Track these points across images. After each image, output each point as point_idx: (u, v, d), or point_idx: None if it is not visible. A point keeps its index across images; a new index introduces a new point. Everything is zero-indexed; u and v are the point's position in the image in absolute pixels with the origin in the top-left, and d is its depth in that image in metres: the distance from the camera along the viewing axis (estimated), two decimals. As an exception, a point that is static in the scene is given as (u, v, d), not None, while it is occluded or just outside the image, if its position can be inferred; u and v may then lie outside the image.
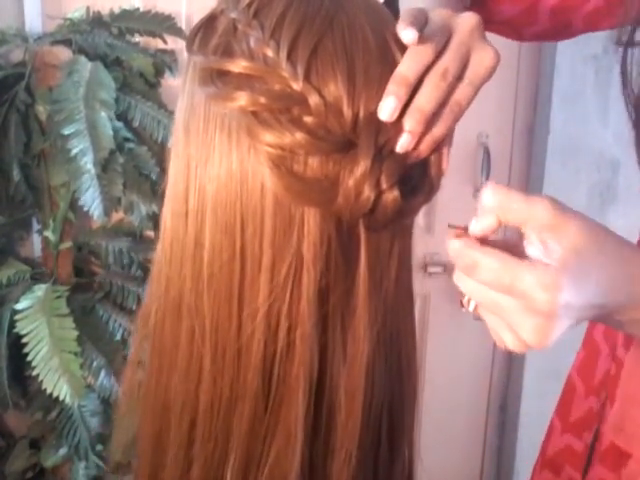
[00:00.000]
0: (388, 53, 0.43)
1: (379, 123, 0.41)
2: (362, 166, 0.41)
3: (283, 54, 0.41)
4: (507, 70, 1.65)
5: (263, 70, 0.41)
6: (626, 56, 0.62)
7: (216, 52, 0.43)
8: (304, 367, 0.43)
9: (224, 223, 0.43)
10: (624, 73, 0.62)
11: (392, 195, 0.42)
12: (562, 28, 0.71)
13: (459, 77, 0.43)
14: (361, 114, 0.41)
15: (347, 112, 0.41)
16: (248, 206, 0.42)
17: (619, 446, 0.63)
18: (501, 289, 0.40)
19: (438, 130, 0.43)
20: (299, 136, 0.40)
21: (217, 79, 0.42)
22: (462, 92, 0.43)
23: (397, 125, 0.42)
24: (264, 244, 0.42)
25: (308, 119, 0.41)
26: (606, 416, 0.67)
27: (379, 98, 0.41)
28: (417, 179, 0.44)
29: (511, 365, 1.81)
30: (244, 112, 0.41)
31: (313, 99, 0.40)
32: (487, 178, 1.62)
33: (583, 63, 1.57)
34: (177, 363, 0.46)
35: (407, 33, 0.42)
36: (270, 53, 0.41)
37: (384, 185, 0.41)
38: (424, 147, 0.43)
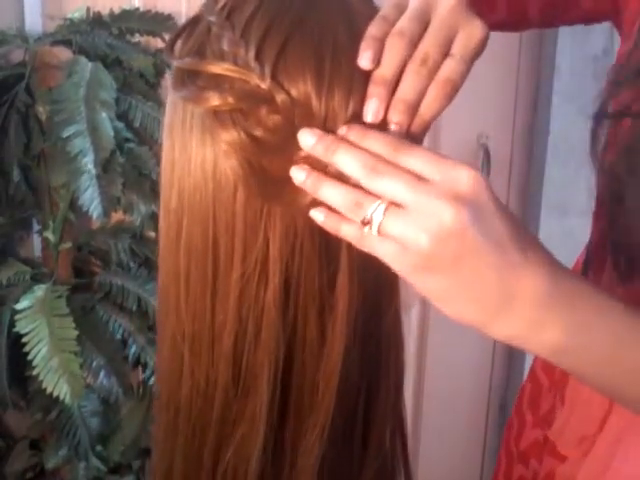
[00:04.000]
0: None
1: (360, 117, 0.42)
2: None
3: (251, 53, 0.41)
4: (507, 70, 1.65)
5: (233, 70, 0.42)
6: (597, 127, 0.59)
7: (190, 54, 0.44)
8: (269, 355, 0.44)
9: (199, 219, 0.45)
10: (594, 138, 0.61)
11: None
12: (520, 18, 0.71)
13: (447, 56, 0.43)
14: (333, 109, 0.42)
15: (317, 108, 0.41)
16: (221, 202, 0.43)
17: (558, 449, 0.63)
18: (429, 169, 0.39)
19: (429, 111, 0.43)
20: (265, 135, 0.41)
21: (188, 81, 0.43)
22: (451, 68, 0.43)
23: (384, 120, 0.42)
24: (235, 239, 0.44)
25: (275, 118, 0.41)
26: (556, 415, 0.67)
27: (355, 95, 0.42)
28: None
29: (511, 365, 1.81)
30: (212, 112, 0.42)
31: (280, 97, 0.41)
32: (487, 178, 1.62)
33: (583, 63, 1.57)
34: (165, 354, 0.49)
35: (362, 61, 0.42)
36: (240, 53, 0.42)
37: None
38: (415, 129, 0.43)
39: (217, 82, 0.42)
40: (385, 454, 0.50)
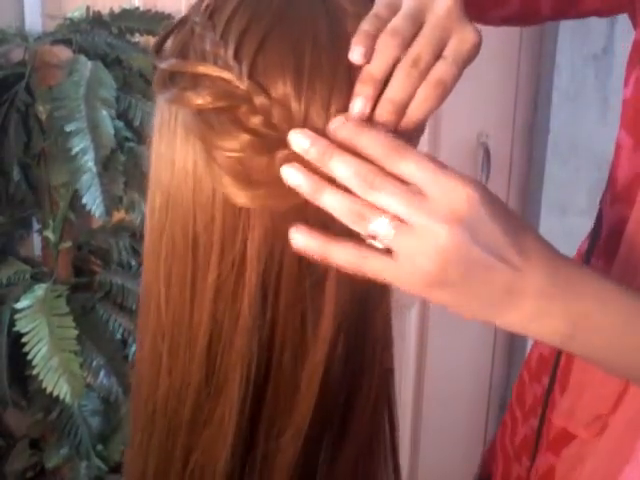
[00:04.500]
0: (346, 47, 0.42)
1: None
2: None
3: (230, 52, 0.41)
4: (507, 69, 1.65)
5: (212, 70, 0.41)
6: None
7: (173, 55, 0.44)
8: (242, 359, 0.44)
9: (181, 219, 0.44)
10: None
11: None
12: (531, 12, 0.70)
13: (439, 58, 0.42)
14: (314, 109, 0.41)
15: (296, 108, 0.41)
16: (200, 202, 0.43)
17: (568, 430, 0.62)
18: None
19: (418, 113, 0.42)
20: (242, 137, 0.41)
21: (170, 82, 0.43)
22: (443, 70, 0.42)
23: (371, 119, 0.41)
24: (214, 239, 0.43)
25: (254, 118, 0.41)
26: (555, 404, 0.66)
27: (337, 95, 0.41)
28: None
29: (511, 365, 1.81)
30: (194, 114, 0.42)
31: (258, 98, 0.41)
32: (487, 178, 1.62)
33: (583, 63, 1.57)
34: (145, 353, 0.48)
35: (353, 55, 0.41)
36: (220, 53, 0.42)
37: None
38: (402, 130, 0.42)
39: (198, 83, 0.42)
40: (364, 424, 0.49)
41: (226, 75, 0.41)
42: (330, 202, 0.39)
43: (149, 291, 0.47)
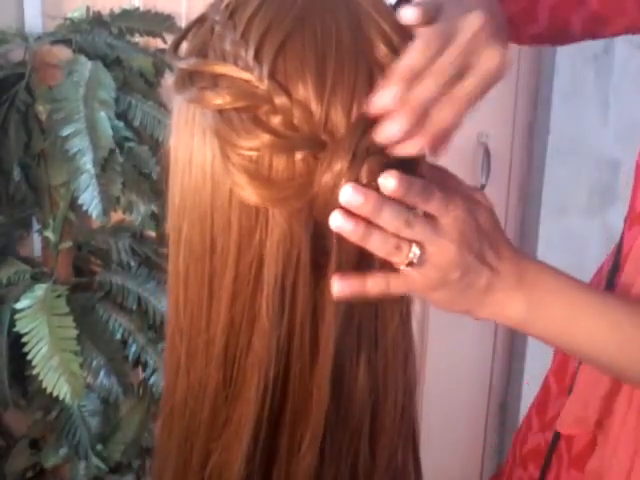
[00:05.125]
0: (368, 51, 0.42)
1: (366, 121, 0.41)
2: (341, 161, 0.41)
3: (250, 53, 0.41)
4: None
5: (232, 70, 0.41)
6: None
7: (192, 54, 0.44)
8: (259, 362, 0.44)
9: (198, 220, 0.44)
10: None
11: None
12: (561, 30, 0.71)
13: (461, 77, 0.43)
14: (335, 112, 0.41)
15: (316, 110, 0.41)
16: (217, 204, 0.43)
17: (585, 441, 0.66)
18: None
19: (433, 127, 0.43)
20: (263, 136, 0.41)
21: (190, 81, 0.43)
22: (465, 89, 0.43)
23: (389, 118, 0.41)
24: (231, 241, 0.43)
25: (274, 118, 0.41)
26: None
27: (358, 96, 0.41)
28: None
29: (511, 365, 1.81)
30: (213, 113, 0.42)
31: (278, 98, 0.40)
32: (487, 178, 1.62)
33: (583, 63, 1.57)
34: (166, 353, 0.49)
35: (407, 11, 0.42)
36: (241, 53, 0.41)
37: (364, 180, 0.41)
38: (414, 144, 0.43)
39: (218, 82, 0.42)
40: (396, 468, 0.49)
41: (246, 76, 0.41)
42: (375, 243, 0.44)
43: (170, 292, 0.48)
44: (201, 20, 0.45)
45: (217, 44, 0.43)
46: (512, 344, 1.78)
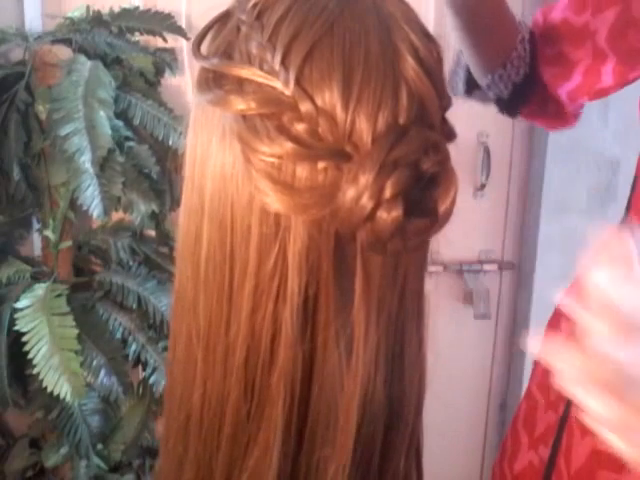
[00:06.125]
0: (395, 62, 0.41)
1: (393, 134, 0.40)
2: (367, 175, 0.39)
3: (277, 58, 0.40)
4: (507, 69, 1.64)
5: (258, 75, 0.40)
6: None
7: (216, 54, 0.43)
8: (285, 377, 0.42)
9: (218, 225, 0.43)
10: None
11: (393, 207, 0.39)
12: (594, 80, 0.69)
13: None
14: (360, 122, 0.39)
15: (341, 120, 0.39)
16: (237, 210, 0.42)
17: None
18: None
19: None
20: (286, 144, 0.39)
21: (214, 83, 0.42)
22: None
23: (419, 140, 0.40)
24: (250, 249, 0.42)
25: (298, 126, 0.40)
26: (573, 434, 0.66)
27: (384, 107, 0.40)
28: (426, 202, 0.42)
29: (511, 365, 1.81)
30: (236, 117, 0.41)
31: (304, 105, 0.39)
32: (487, 178, 1.62)
33: (583, 63, 1.57)
34: (179, 357, 0.47)
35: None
36: (267, 57, 0.40)
37: (387, 195, 0.39)
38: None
39: (242, 86, 0.41)
40: (398, 475, 0.48)
41: (272, 81, 0.40)
42: (595, 407, 0.41)
43: (183, 293, 0.46)
44: (225, 17, 0.44)
45: (243, 46, 0.41)
46: (512, 344, 1.78)
